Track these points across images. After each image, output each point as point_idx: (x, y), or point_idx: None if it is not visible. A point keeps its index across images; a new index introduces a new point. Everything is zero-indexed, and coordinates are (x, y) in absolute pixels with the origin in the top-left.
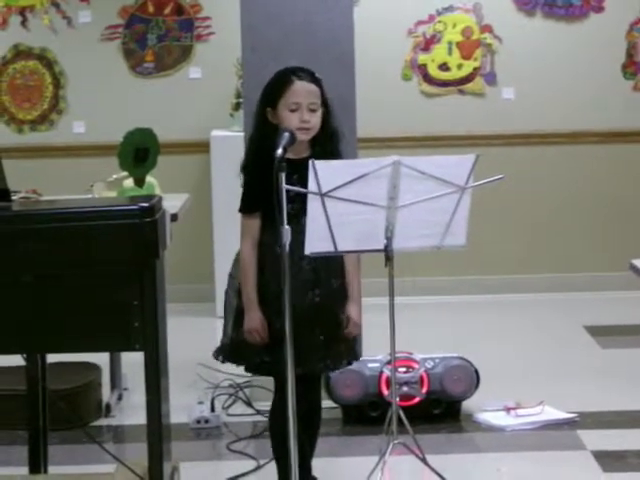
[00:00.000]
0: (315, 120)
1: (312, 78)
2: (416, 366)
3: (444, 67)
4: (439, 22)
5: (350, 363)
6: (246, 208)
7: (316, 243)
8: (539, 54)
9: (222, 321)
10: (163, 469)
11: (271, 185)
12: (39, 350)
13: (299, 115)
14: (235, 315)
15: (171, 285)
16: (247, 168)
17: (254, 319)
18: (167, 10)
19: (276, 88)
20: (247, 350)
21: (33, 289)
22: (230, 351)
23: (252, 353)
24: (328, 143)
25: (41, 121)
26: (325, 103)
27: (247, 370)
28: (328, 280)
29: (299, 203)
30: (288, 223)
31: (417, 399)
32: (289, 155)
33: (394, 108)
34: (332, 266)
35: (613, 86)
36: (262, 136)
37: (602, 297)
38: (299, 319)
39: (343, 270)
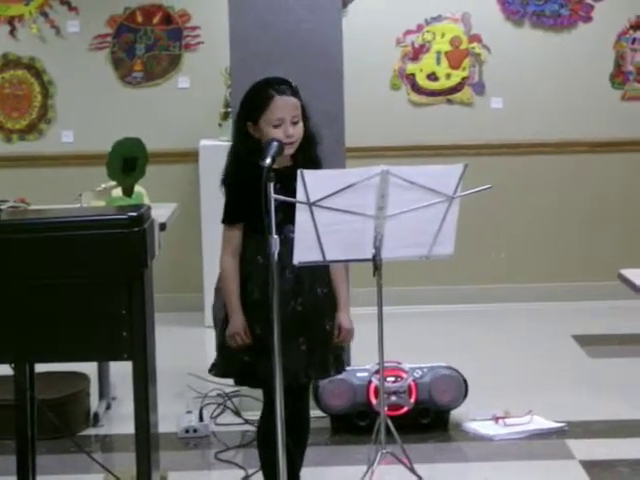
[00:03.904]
0: (298, 132)
1: (291, 90)
2: (404, 375)
3: (432, 77)
4: (427, 32)
5: (339, 372)
6: (228, 219)
7: (304, 253)
8: (527, 64)
9: (210, 331)
10: (151, 478)
11: (254, 196)
12: (27, 360)
13: (283, 130)
14: (222, 327)
15: (159, 294)
16: (229, 180)
17: (237, 323)
18: (156, 19)
19: (256, 104)
20: (233, 357)
21: (21, 299)
22: (221, 364)
23: (237, 358)
24: (308, 149)
25: (29, 130)
26: (303, 111)
27: (237, 383)
28: (312, 289)
29: (282, 213)
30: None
31: (405, 408)
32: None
33: (382, 118)
34: (317, 274)
35: (601, 96)
36: (244, 149)
37: (590, 307)
38: (281, 328)
39: (329, 278)
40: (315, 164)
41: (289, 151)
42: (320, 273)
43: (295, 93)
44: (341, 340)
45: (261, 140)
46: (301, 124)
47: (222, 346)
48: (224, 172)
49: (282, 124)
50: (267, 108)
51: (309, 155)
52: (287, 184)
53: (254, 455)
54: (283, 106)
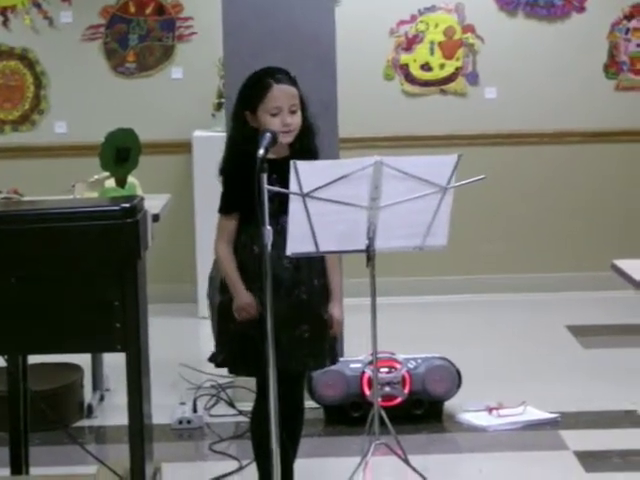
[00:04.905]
0: (296, 121)
1: (289, 80)
2: (398, 366)
3: (426, 67)
4: (421, 22)
5: (333, 363)
6: (225, 208)
7: (298, 244)
8: (521, 54)
9: (204, 322)
10: (145, 470)
11: (250, 186)
12: (20, 351)
13: (281, 119)
14: (219, 311)
15: (153, 285)
16: (226, 169)
17: (243, 296)
18: (148, 10)
19: (255, 93)
20: (231, 341)
21: (14, 290)
22: (219, 350)
23: (234, 342)
24: (306, 139)
25: (22, 121)
26: (302, 102)
27: (231, 371)
28: (310, 279)
29: (278, 203)
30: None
31: (399, 399)
32: (269, 155)
33: (376, 108)
34: (313, 265)
35: (595, 86)
36: (242, 138)
37: (584, 297)
38: (285, 316)
39: (324, 269)
40: (312, 154)
41: (287, 140)
42: (315, 263)
43: (293, 82)
44: (332, 331)
45: (259, 129)
46: (299, 113)
47: (219, 332)
48: (221, 161)
49: (280, 113)
50: (265, 97)
51: (307, 145)
52: (283, 174)
53: (248, 446)
54: (281, 95)
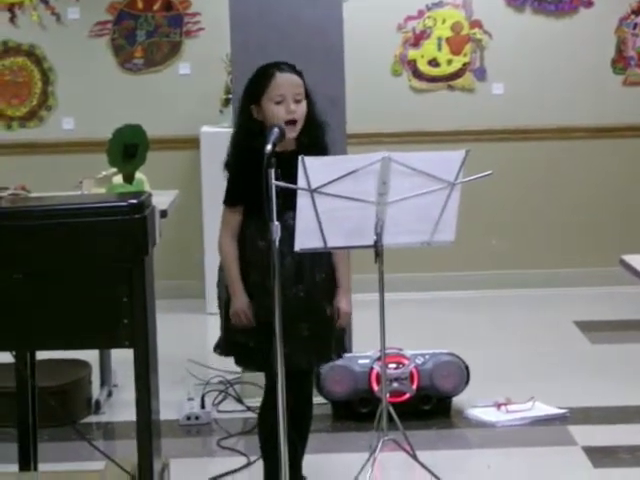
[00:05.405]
0: (301, 110)
1: (293, 70)
2: (406, 362)
3: (434, 63)
4: (429, 17)
5: (340, 356)
6: (230, 200)
7: (306, 239)
8: (529, 50)
9: (212, 318)
10: (153, 466)
11: (255, 180)
12: (28, 347)
13: (285, 106)
14: (225, 307)
15: (161, 281)
16: (232, 164)
17: (239, 301)
18: (156, 6)
19: (258, 84)
20: (235, 338)
21: (22, 286)
22: (224, 344)
23: (240, 341)
24: (314, 134)
25: (30, 117)
26: (307, 95)
27: (237, 363)
28: (312, 275)
29: (282, 198)
30: None
31: (407, 395)
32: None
33: (383, 104)
34: (316, 260)
35: (603, 81)
36: (247, 133)
37: (592, 292)
38: (283, 314)
39: (328, 263)
40: (319, 149)
41: (292, 134)
42: (318, 258)
43: (298, 74)
44: (339, 323)
45: (264, 122)
46: (304, 103)
47: (226, 328)
48: (227, 155)
49: (284, 101)
50: (268, 85)
51: (315, 140)
52: (288, 169)
53: (256, 442)
54: (284, 82)
